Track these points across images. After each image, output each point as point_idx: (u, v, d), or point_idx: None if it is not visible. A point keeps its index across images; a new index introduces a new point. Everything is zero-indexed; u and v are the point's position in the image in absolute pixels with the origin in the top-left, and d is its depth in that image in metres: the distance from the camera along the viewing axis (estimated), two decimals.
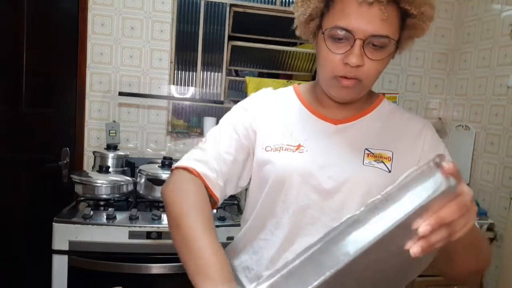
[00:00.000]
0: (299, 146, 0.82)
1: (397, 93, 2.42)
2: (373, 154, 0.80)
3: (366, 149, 0.81)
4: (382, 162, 0.79)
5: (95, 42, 2.18)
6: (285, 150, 0.81)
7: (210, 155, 0.82)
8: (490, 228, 2.02)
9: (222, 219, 1.72)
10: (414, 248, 0.48)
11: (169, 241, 1.62)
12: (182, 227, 0.70)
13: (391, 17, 0.71)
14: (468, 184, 2.22)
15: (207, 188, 0.80)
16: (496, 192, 2.06)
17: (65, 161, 2.01)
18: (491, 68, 2.14)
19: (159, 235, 1.61)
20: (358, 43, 0.71)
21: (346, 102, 0.83)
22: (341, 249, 0.48)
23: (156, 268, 1.62)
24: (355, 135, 0.83)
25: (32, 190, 2.07)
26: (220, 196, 0.83)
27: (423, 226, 0.48)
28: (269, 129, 0.85)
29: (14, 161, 2.00)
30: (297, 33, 0.85)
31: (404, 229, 0.47)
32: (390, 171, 0.78)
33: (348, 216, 0.49)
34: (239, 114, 0.88)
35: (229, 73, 2.46)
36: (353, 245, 0.47)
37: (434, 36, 2.46)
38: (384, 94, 0.94)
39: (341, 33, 0.72)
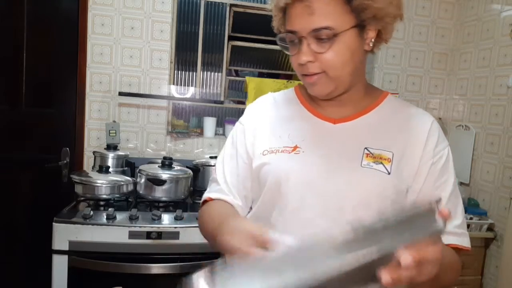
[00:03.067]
0: (295, 147, 0.80)
1: (397, 93, 2.42)
2: (373, 154, 0.77)
3: (366, 148, 0.78)
4: (381, 163, 0.76)
5: (95, 42, 2.18)
6: (281, 152, 0.80)
7: (221, 182, 0.87)
8: (490, 228, 2.02)
9: None
10: (386, 276, 0.48)
11: (169, 241, 1.63)
12: (209, 228, 0.78)
13: (329, 7, 0.71)
14: (468, 184, 2.23)
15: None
16: (496, 192, 2.06)
17: (65, 161, 2.01)
18: (491, 68, 2.14)
19: (159, 235, 1.61)
20: (303, 41, 0.74)
21: (331, 99, 0.82)
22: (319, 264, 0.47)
23: (156, 268, 1.62)
24: (354, 134, 0.81)
25: (32, 190, 2.07)
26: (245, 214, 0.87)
27: (406, 257, 0.48)
28: (266, 134, 0.85)
29: (14, 161, 2.00)
30: (274, 24, 0.87)
31: (386, 259, 0.48)
32: (389, 173, 0.76)
33: (343, 236, 0.49)
34: (237, 130, 0.91)
35: (229, 73, 2.46)
36: (329, 266, 0.47)
37: (434, 36, 2.46)
38: None
39: (288, 36, 0.76)
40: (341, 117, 0.82)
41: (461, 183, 2.26)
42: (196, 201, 1.96)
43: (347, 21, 0.73)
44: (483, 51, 2.21)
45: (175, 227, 1.63)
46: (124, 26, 2.20)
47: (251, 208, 0.88)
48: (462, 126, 2.33)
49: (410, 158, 0.78)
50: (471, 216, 2.02)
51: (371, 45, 0.78)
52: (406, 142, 0.79)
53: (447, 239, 0.75)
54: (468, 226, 1.98)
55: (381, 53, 2.42)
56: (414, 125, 0.81)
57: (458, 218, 0.78)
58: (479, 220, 2.01)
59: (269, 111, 0.89)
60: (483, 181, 2.15)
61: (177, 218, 1.67)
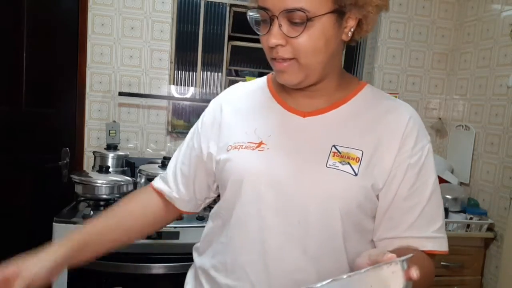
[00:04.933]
0: (260, 143, 0.75)
1: (397, 93, 2.42)
2: (340, 153, 0.71)
3: (334, 146, 0.72)
4: (349, 163, 0.70)
5: (95, 42, 2.18)
6: (244, 148, 0.75)
7: (170, 170, 0.90)
8: (490, 228, 2.02)
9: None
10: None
11: (169, 241, 1.63)
12: None
13: None
14: (468, 184, 2.23)
15: (167, 201, 0.88)
16: (496, 192, 2.06)
17: (65, 161, 2.01)
18: (491, 68, 2.14)
19: (159, 235, 1.61)
20: (274, 21, 0.67)
21: (302, 89, 0.76)
22: None
23: (156, 268, 1.62)
24: (323, 130, 0.74)
25: (32, 190, 2.07)
26: (182, 205, 0.89)
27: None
28: (232, 128, 0.80)
29: (14, 161, 2.00)
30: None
31: None
32: (356, 175, 0.69)
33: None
34: (199, 122, 0.89)
35: (229, 73, 2.46)
36: None
37: (434, 36, 2.46)
38: None
39: (260, 13, 0.70)
40: (312, 110, 0.76)
41: (461, 183, 2.27)
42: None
43: (324, 5, 0.66)
44: (483, 51, 2.21)
45: (175, 227, 1.63)
46: (124, 26, 2.20)
47: (215, 200, 0.88)
48: (462, 126, 2.33)
49: (382, 158, 0.71)
50: (471, 216, 2.02)
51: (349, 34, 0.72)
52: (379, 139, 0.72)
53: (424, 245, 0.71)
54: (468, 226, 1.99)
55: (381, 53, 2.42)
56: (389, 120, 0.74)
57: (438, 221, 0.73)
58: (479, 220, 2.01)
59: (237, 103, 0.84)
60: (483, 181, 2.15)
61: (177, 218, 1.66)
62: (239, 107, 0.83)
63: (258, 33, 0.72)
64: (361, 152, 0.71)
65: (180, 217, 1.00)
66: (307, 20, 0.66)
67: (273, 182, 0.72)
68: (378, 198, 0.73)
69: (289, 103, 0.79)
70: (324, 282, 0.47)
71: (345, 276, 0.47)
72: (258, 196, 0.72)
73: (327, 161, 0.71)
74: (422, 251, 0.72)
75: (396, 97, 0.84)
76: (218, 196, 0.88)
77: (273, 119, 0.78)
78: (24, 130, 2.04)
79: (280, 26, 0.67)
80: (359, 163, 0.70)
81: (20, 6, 1.95)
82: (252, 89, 0.86)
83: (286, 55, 0.69)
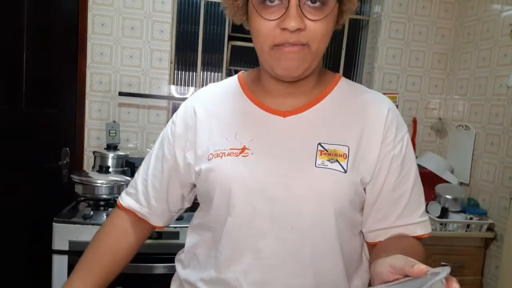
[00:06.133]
0: (243, 148, 0.71)
1: (397, 93, 2.42)
2: (327, 151, 0.69)
3: (320, 144, 0.70)
4: (337, 161, 0.69)
5: (95, 42, 2.18)
6: (227, 155, 0.71)
7: (139, 185, 0.84)
8: (490, 228, 2.02)
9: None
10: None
11: (169, 241, 1.63)
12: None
13: None
14: (468, 184, 2.23)
15: (139, 218, 0.84)
16: (496, 192, 2.06)
17: (65, 161, 2.01)
18: (491, 68, 2.14)
19: (159, 235, 1.61)
20: (293, 3, 0.62)
21: (294, 81, 0.71)
22: None
23: (156, 268, 1.62)
24: (306, 128, 0.72)
25: (32, 190, 2.07)
26: (156, 220, 0.85)
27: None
28: (210, 135, 0.75)
29: (14, 161, 2.00)
30: (228, 17, 0.74)
31: None
32: (345, 171, 0.68)
33: None
34: (168, 130, 0.82)
35: (229, 73, 2.46)
36: None
37: (434, 36, 2.46)
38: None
39: None
40: (292, 109, 0.73)
41: (461, 183, 2.27)
42: (196, 200, 1.95)
43: None
44: (483, 51, 2.21)
45: (175, 227, 1.63)
46: (124, 26, 2.20)
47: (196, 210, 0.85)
48: (462, 126, 2.33)
49: (367, 151, 0.71)
50: (471, 216, 2.02)
51: (341, 22, 0.72)
52: (362, 133, 0.71)
53: (414, 232, 0.74)
54: (468, 226, 1.99)
55: (381, 53, 2.42)
56: (370, 113, 0.73)
57: (422, 205, 0.76)
58: (479, 220, 2.01)
59: (211, 106, 0.78)
60: (483, 181, 2.15)
61: (177, 218, 1.66)
62: (214, 111, 0.77)
63: (264, 17, 0.64)
64: (347, 147, 0.70)
65: (153, 232, 0.96)
66: (327, 3, 0.63)
67: (263, 189, 0.69)
68: (365, 191, 0.73)
69: (266, 103, 0.75)
70: None
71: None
72: (249, 205, 0.69)
73: (315, 160, 0.69)
74: (413, 236, 0.74)
75: (396, 97, 0.84)
76: (192, 205, 0.87)
77: (252, 122, 0.74)
78: (24, 130, 2.03)
79: (299, 8, 0.62)
80: (347, 159, 0.69)
81: (20, 6, 1.94)
82: (224, 91, 0.80)
83: (302, 40, 0.64)
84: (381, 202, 0.73)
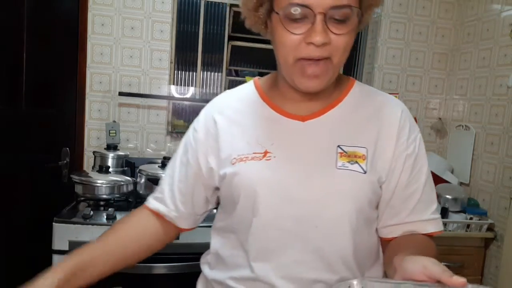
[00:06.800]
0: (266, 152, 0.74)
1: (397, 93, 2.42)
2: (347, 153, 0.72)
3: (339, 146, 0.73)
4: (357, 162, 0.71)
5: (95, 42, 2.18)
6: (251, 159, 0.74)
7: (166, 190, 0.85)
8: (490, 228, 2.02)
9: None
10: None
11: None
12: None
13: None
14: (468, 184, 2.23)
15: (166, 221, 0.86)
16: (496, 192, 2.06)
17: (65, 161, 2.01)
18: (491, 68, 2.14)
19: None
20: (319, 18, 0.63)
21: (314, 92, 0.74)
22: None
23: (156, 268, 1.62)
24: (325, 131, 0.74)
25: (32, 190, 2.07)
26: (183, 223, 0.86)
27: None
28: (231, 140, 0.78)
29: (14, 161, 2.00)
30: (247, 25, 0.77)
31: None
32: (365, 172, 0.71)
33: None
34: (190, 137, 0.84)
35: (229, 73, 2.46)
36: None
37: (434, 36, 2.46)
38: None
39: (297, 11, 0.64)
40: (310, 113, 0.76)
41: (461, 183, 2.27)
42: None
43: (357, 1, 0.66)
44: (483, 51, 2.21)
45: None
46: (124, 26, 2.20)
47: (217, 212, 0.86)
48: (462, 126, 2.33)
49: (382, 151, 0.74)
50: (471, 216, 2.02)
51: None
52: (378, 134, 0.74)
53: (425, 229, 0.76)
54: (468, 226, 1.99)
55: (381, 53, 2.42)
56: (384, 115, 0.76)
57: (434, 203, 0.78)
58: (479, 220, 2.01)
59: (230, 113, 0.81)
60: (483, 181, 2.15)
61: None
62: (234, 117, 0.80)
63: (290, 31, 0.66)
64: (365, 149, 0.73)
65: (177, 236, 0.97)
66: (351, 17, 0.66)
67: (287, 190, 0.72)
68: (381, 189, 0.76)
69: (285, 108, 0.77)
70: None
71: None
72: (274, 207, 0.72)
73: (336, 162, 0.72)
74: (424, 234, 0.76)
75: (396, 97, 0.86)
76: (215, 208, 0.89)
77: (272, 127, 0.77)
78: (24, 130, 2.04)
79: (325, 23, 0.64)
80: (366, 160, 0.72)
81: (20, 6, 1.95)
82: (242, 97, 0.83)
83: (325, 54, 0.66)
84: (394, 199, 0.76)
